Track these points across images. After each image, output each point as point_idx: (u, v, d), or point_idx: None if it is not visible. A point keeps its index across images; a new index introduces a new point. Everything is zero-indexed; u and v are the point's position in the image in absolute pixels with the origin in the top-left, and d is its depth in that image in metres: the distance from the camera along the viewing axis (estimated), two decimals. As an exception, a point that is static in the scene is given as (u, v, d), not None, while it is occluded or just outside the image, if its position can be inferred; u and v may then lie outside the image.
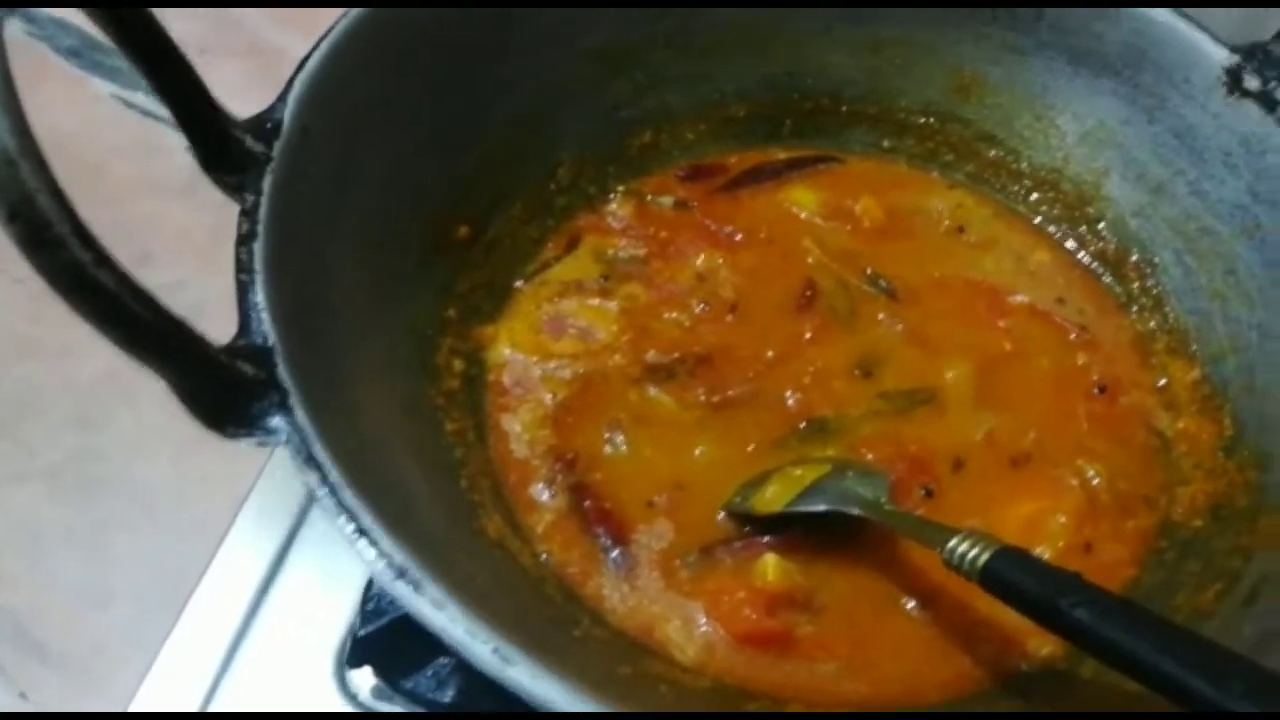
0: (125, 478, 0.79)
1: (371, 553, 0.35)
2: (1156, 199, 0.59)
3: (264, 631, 0.59)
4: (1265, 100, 0.54)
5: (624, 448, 0.54)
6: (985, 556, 0.41)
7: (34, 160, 0.29)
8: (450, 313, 0.56)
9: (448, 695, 0.55)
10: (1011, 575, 0.41)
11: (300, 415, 0.38)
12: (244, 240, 0.42)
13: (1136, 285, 0.60)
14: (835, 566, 0.50)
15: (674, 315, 0.59)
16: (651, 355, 0.57)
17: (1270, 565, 0.45)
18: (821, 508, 0.49)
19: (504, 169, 0.60)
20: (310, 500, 0.63)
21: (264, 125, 0.45)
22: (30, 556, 0.75)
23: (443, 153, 0.56)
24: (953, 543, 0.43)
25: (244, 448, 0.39)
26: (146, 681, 0.57)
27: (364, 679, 0.57)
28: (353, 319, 0.48)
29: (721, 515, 0.51)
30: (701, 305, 0.59)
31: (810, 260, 0.62)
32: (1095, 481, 0.53)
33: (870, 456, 0.53)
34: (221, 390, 0.37)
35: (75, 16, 0.98)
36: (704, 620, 0.48)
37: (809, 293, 0.60)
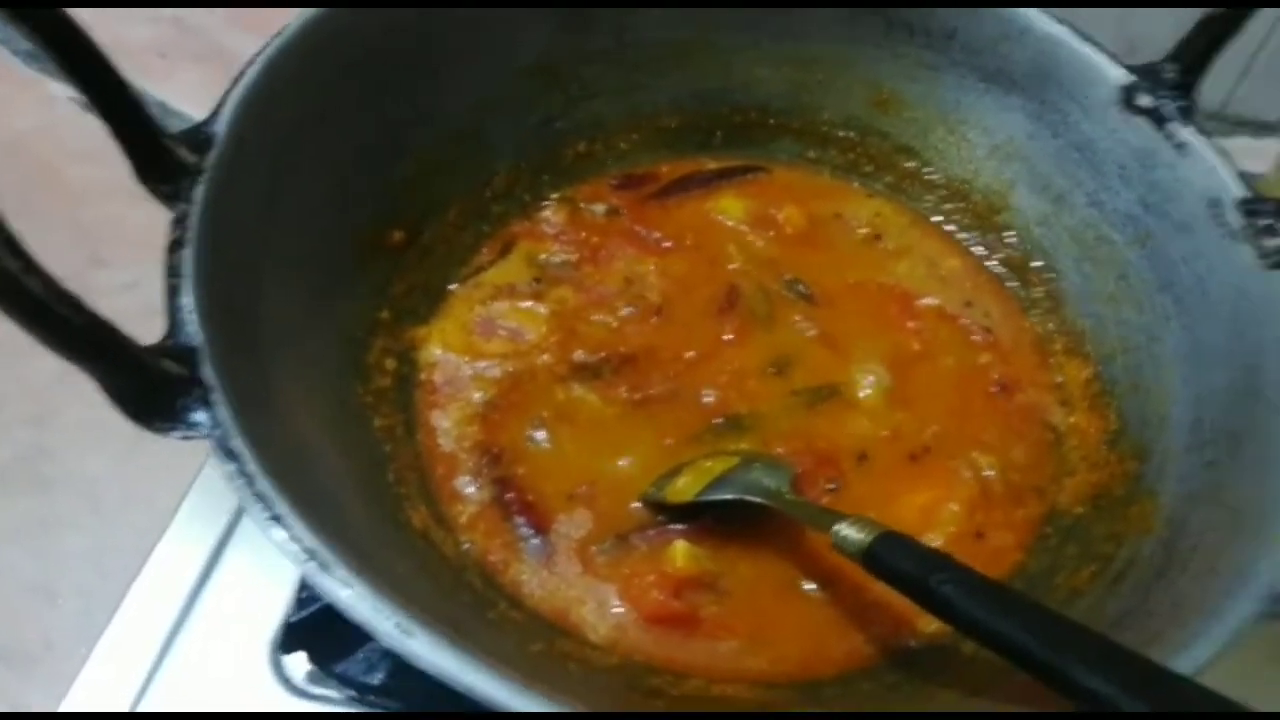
0: (73, 474, 0.80)
1: (282, 535, 0.38)
2: (1058, 209, 0.63)
3: (202, 620, 0.61)
4: (1155, 117, 0.57)
5: (548, 443, 0.57)
6: (868, 540, 0.44)
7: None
8: (383, 314, 0.59)
9: (377, 678, 0.57)
10: (890, 557, 0.44)
11: (221, 411, 0.40)
12: (175, 246, 0.44)
13: (1039, 290, 0.64)
14: (741, 552, 0.53)
15: (601, 317, 0.62)
16: (578, 355, 0.60)
17: (1137, 549, 0.49)
18: (728, 496, 0.52)
19: (440, 177, 0.63)
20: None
21: (198, 136, 0.48)
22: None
23: (377, 161, 0.59)
24: (838, 526, 0.46)
25: (190, 445, 0.42)
26: (88, 664, 0.59)
27: (298, 664, 0.59)
28: (284, 320, 0.50)
29: (637, 504, 0.54)
30: (628, 308, 0.62)
31: (733, 266, 0.65)
32: (988, 473, 0.56)
33: (780, 451, 0.56)
34: (147, 387, 0.40)
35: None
36: (617, 602, 0.51)
37: (731, 297, 0.63)
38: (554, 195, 0.67)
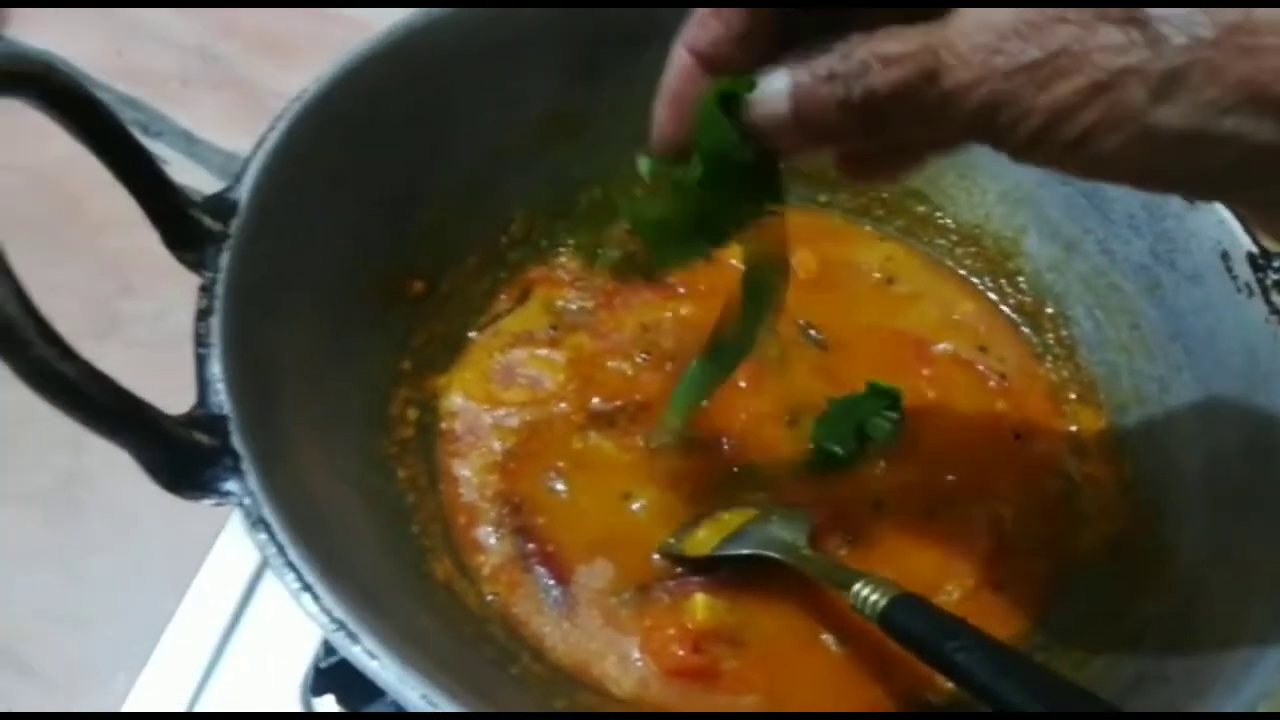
0: (108, 502, 0.82)
1: (314, 607, 0.39)
2: (1069, 256, 0.63)
3: (234, 660, 0.63)
4: (1165, 166, 0.58)
5: (566, 493, 0.57)
6: (883, 602, 0.45)
7: (0, 271, 0.33)
8: (405, 365, 0.60)
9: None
10: (905, 620, 0.44)
11: (251, 480, 0.41)
12: (202, 315, 0.45)
13: (1051, 336, 0.64)
14: (760, 604, 0.53)
15: (617, 364, 0.62)
16: (595, 403, 0.61)
17: (1155, 607, 0.49)
18: (745, 551, 0.52)
19: (457, 226, 0.63)
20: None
21: (222, 203, 0.49)
22: (12, 579, 0.78)
23: (396, 215, 0.59)
24: (856, 587, 0.46)
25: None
26: (126, 703, 0.61)
27: (328, 705, 0.60)
28: (308, 378, 0.51)
29: (656, 556, 0.55)
30: (643, 355, 0.63)
31: (744, 312, 0.65)
32: (1005, 523, 0.56)
33: (797, 502, 0.57)
34: (179, 458, 0.41)
35: (58, 48, 1.01)
36: (638, 655, 0.52)
37: (744, 343, 0.63)
38: (570, 241, 0.68)
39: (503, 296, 0.66)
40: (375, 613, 0.40)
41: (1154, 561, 0.52)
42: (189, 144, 0.99)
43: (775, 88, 0.36)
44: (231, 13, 1.11)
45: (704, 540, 0.54)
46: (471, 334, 0.64)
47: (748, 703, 0.51)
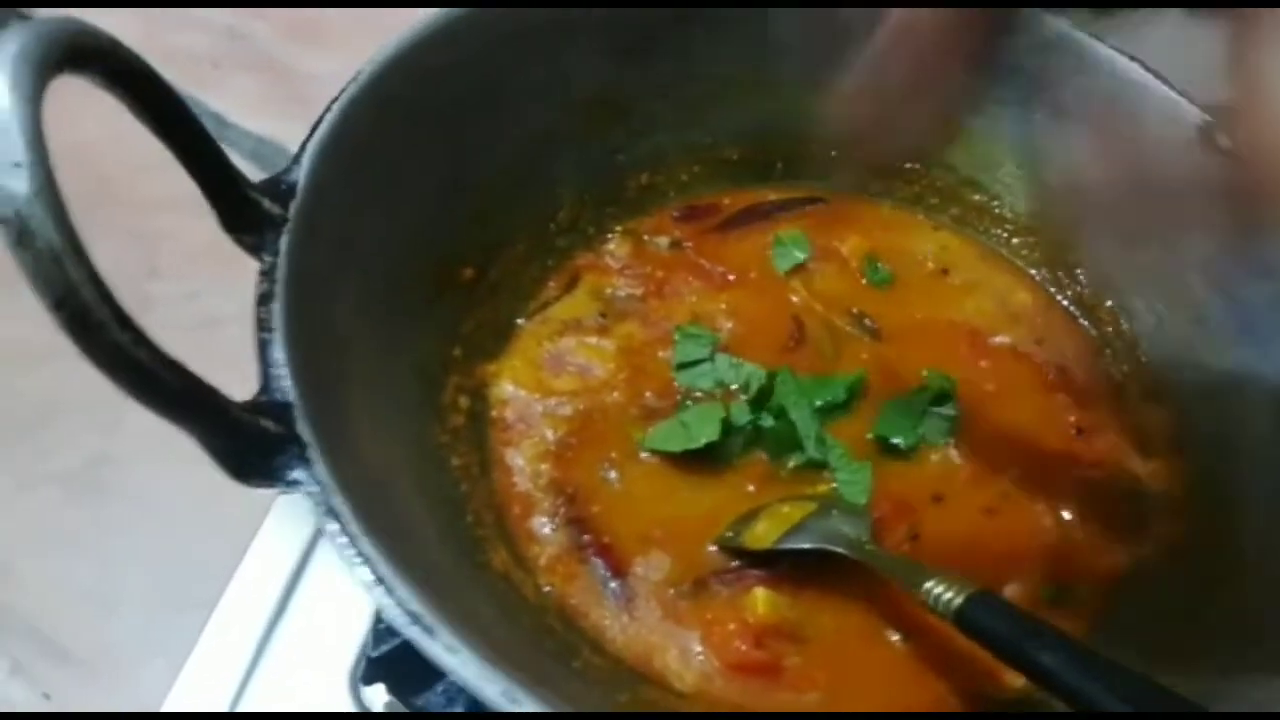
0: (139, 484, 0.81)
1: (388, 600, 0.38)
2: (1131, 249, 0.62)
3: (281, 648, 0.62)
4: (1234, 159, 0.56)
5: (620, 483, 0.56)
6: (959, 600, 0.44)
7: (76, 254, 0.32)
8: (456, 352, 0.59)
9: (457, 711, 0.58)
10: (983, 619, 0.44)
11: (319, 468, 0.40)
12: (263, 300, 0.44)
13: (1111, 329, 0.63)
14: (821, 599, 0.53)
15: (669, 354, 0.61)
16: (648, 396, 0.60)
17: (1229, 606, 0.48)
18: (807, 545, 0.51)
19: (506, 212, 0.62)
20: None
21: (279, 187, 0.48)
22: (47, 561, 0.77)
23: (447, 201, 0.58)
24: (929, 584, 0.45)
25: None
26: (170, 694, 0.60)
27: (377, 695, 0.59)
28: (364, 365, 0.50)
29: (713, 549, 0.54)
30: (696, 346, 0.62)
31: (796, 300, 0.64)
32: (1068, 519, 0.55)
33: None
34: (245, 445, 0.40)
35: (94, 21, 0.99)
36: (699, 649, 0.51)
37: (797, 334, 0.62)
38: (618, 228, 0.67)
39: (551, 284, 0.65)
40: (442, 606, 0.39)
41: (1223, 561, 0.51)
42: (220, 127, 0.98)
43: None
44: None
45: (764, 534, 0.53)
46: (520, 321, 0.63)
47: (810, 700, 0.50)
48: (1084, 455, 0.58)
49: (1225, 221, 0.55)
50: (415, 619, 0.38)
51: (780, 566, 0.53)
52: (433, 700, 0.58)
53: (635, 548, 0.54)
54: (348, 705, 0.60)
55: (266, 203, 0.47)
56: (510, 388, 0.60)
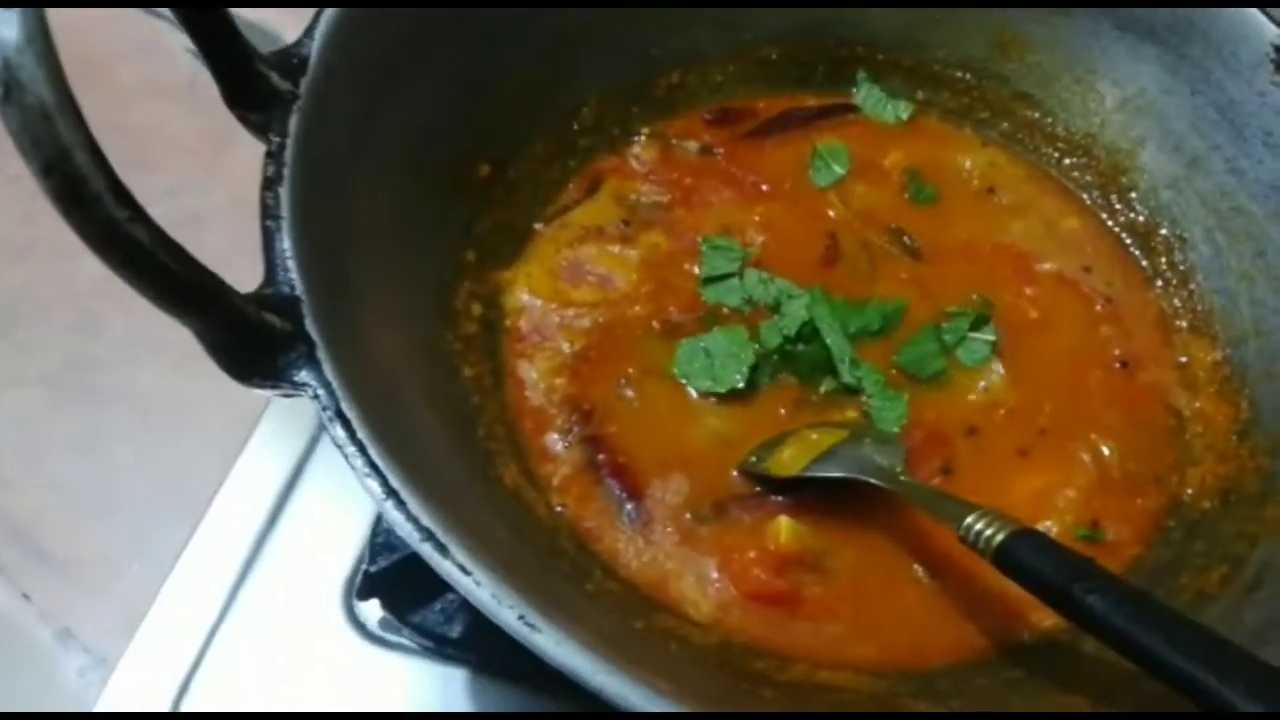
0: (123, 385, 0.79)
1: (399, 515, 0.35)
2: (1191, 173, 0.58)
3: (273, 559, 0.60)
4: (1313, 81, 0.53)
5: (639, 402, 0.54)
6: (1001, 536, 0.42)
7: (71, 114, 0.28)
8: (469, 255, 0.55)
9: (455, 630, 0.56)
10: (1026, 557, 0.41)
11: (328, 369, 0.37)
12: (270, 184, 0.41)
13: (1164, 260, 0.60)
14: (846, 530, 0.50)
15: (696, 268, 0.58)
16: (672, 312, 0.56)
17: (1275, 553, 0.46)
18: (838, 474, 0.49)
19: (527, 107, 0.58)
20: (322, 427, 0.63)
21: (290, 60, 0.44)
22: (29, 462, 0.75)
23: (465, 91, 0.54)
24: (969, 520, 0.43)
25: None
26: (155, 603, 0.58)
27: (372, 610, 0.57)
28: (374, 263, 0.47)
29: (735, 474, 0.52)
30: (724, 259, 0.58)
31: (833, 215, 0.61)
32: (1108, 457, 0.53)
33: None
34: (248, 342, 0.37)
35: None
36: (716, 577, 0.49)
37: (831, 251, 0.59)
38: (644, 130, 0.63)
39: (571, 186, 0.61)
40: (454, 522, 0.37)
41: (1271, 506, 0.48)
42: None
43: None
44: None
45: (791, 460, 0.50)
46: (538, 226, 0.59)
47: (831, 632, 0.48)
48: (1127, 390, 0.56)
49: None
50: (428, 535, 0.35)
51: (804, 495, 0.51)
52: (430, 617, 0.56)
53: (653, 469, 0.52)
54: (340, 619, 0.58)
55: (275, 77, 0.43)
56: (525, 296, 0.56)
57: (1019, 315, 0.57)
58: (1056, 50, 0.62)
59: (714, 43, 0.64)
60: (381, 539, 0.56)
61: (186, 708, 0.55)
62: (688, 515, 0.50)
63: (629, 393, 0.54)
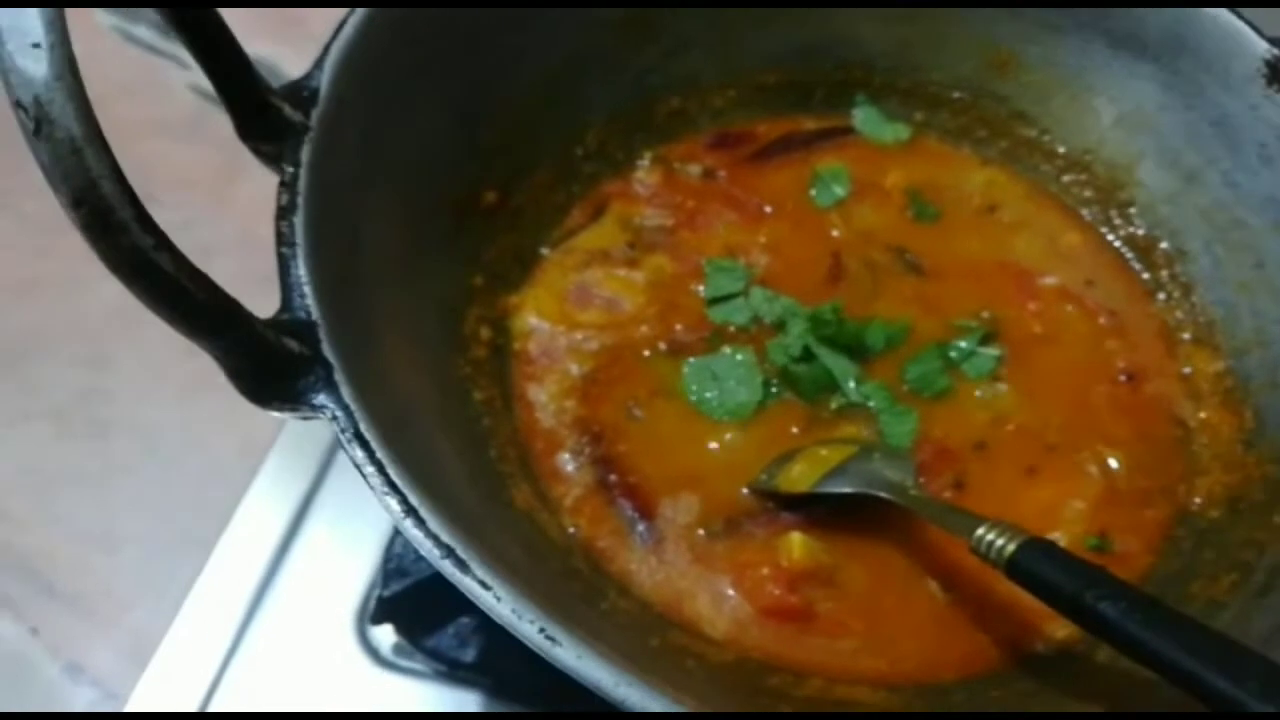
0: (132, 419, 0.79)
1: (419, 533, 0.36)
2: (1189, 187, 0.59)
3: (286, 588, 0.60)
4: (1304, 94, 0.54)
5: (648, 421, 0.54)
6: (1012, 547, 0.42)
7: (99, 147, 0.29)
8: (477, 280, 0.56)
9: (469, 654, 0.56)
10: (1038, 567, 0.41)
11: (345, 392, 0.38)
12: (284, 213, 0.42)
13: (1165, 273, 0.61)
14: (857, 545, 0.51)
15: (701, 288, 0.59)
16: (679, 330, 0.57)
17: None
18: (849, 489, 0.49)
19: (531, 134, 0.59)
20: (331, 453, 0.64)
21: (301, 93, 0.45)
22: (37, 497, 0.75)
23: (471, 119, 0.56)
24: (980, 531, 0.43)
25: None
26: (172, 627, 0.58)
27: (385, 636, 0.58)
28: (385, 290, 0.48)
29: (745, 491, 0.52)
30: (729, 280, 0.59)
31: (836, 234, 0.61)
32: (1115, 469, 0.53)
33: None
34: (267, 365, 0.38)
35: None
36: (731, 594, 0.49)
37: (835, 269, 0.60)
38: (647, 154, 0.64)
39: (576, 211, 0.62)
40: (472, 541, 0.37)
41: (1278, 514, 0.49)
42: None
43: None
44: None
45: (801, 477, 0.51)
46: (544, 250, 0.60)
47: (844, 647, 0.48)
48: (1133, 403, 0.56)
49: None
50: (449, 551, 0.36)
51: (816, 511, 0.51)
52: (443, 641, 0.57)
53: (663, 488, 0.52)
54: (354, 646, 0.58)
55: (287, 109, 0.44)
56: (533, 320, 0.57)
57: (1023, 330, 0.58)
58: (1051, 69, 0.63)
59: (711, 68, 0.65)
60: (394, 564, 0.57)
61: (200, 738, 0.55)
62: (700, 532, 0.51)
63: (638, 413, 0.54)
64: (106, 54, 1.03)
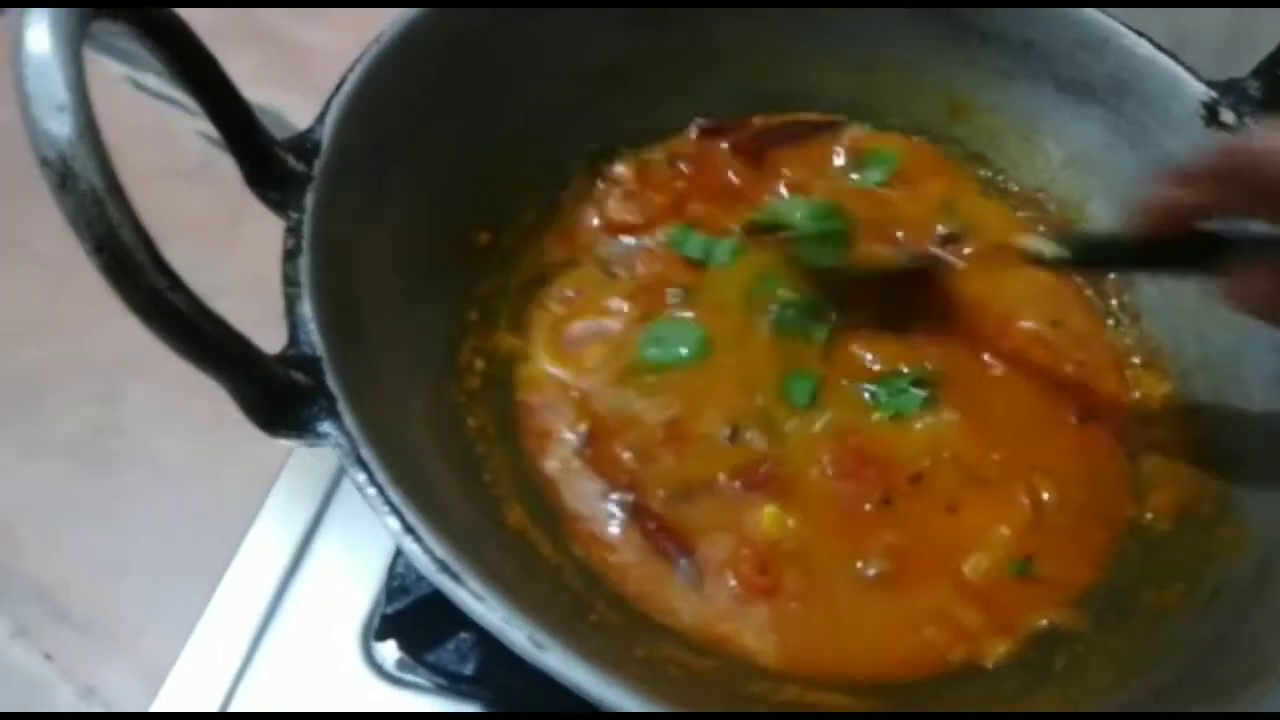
0: (144, 453, 0.81)
1: (416, 548, 0.39)
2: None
3: (294, 607, 0.62)
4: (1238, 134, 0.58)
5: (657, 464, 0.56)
6: None
7: (118, 197, 0.33)
8: (472, 315, 0.59)
9: (469, 668, 0.58)
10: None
11: (348, 421, 0.41)
12: (290, 256, 0.45)
13: (1115, 301, 0.64)
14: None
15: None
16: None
17: (1230, 570, 0.49)
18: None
19: (516, 180, 0.63)
20: (336, 482, 0.66)
21: (305, 145, 0.48)
22: (52, 526, 0.77)
23: (463, 166, 0.59)
24: None
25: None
26: (184, 653, 0.61)
27: (389, 651, 0.60)
28: (385, 324, 0.51)
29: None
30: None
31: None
32: (1047, 500, 0.56)
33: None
34: (276, 397, 0.41)
35: None
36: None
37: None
38: (618, 190, 0.67)
39: (560, 253, 0.65)
40: (466, 553, 0.40)
41: (1225, 527, 0.52)
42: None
43: None
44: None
45: None
46: (534, 290, 0.63)
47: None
48: (1081, 438, 0.59)
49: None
50: (444, 566, 0.39)
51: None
52: (444, 656, 0.59)
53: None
54: (359, 664, 0.60)
55: (291, 160, 0.48)
56: (541, 370, 0.60)
57: (981, 372, 0.61)
58: (1003, 113, 0.67)
59: (681, 117, 0.69)
60: (397, 583, 0.60)
61: (210, 761, 0.57)
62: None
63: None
64: (117, 103, 1.07)
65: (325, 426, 0.41)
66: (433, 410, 0.53)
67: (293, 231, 0.46)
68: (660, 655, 0.49)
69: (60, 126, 0.32)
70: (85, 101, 0.32)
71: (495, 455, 0.55)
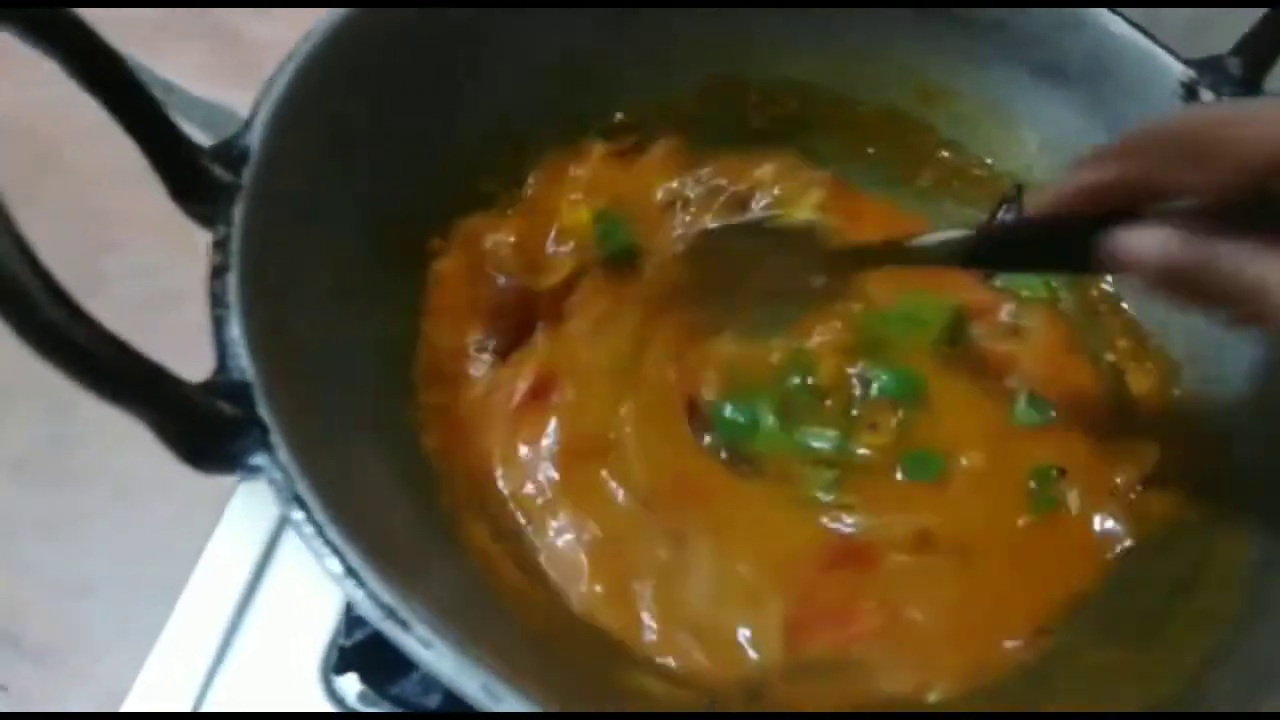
0: (99, 468, 0.78)
1: (359, 593, 0.36)
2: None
3: (249, 638, 0.60)
4: (1219, 113, 0.55)
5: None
6: None
7: (1, 222, 0.29)
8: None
9: (434, 700, 0.56)
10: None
11: (282, 454, 0.38)
12: (217, 273, 0.42)
13: (1095, 293, 0.62)
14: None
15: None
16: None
17: (1227, 573, 0.48)
18: None
19: (470, 181, 0.59)
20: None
21: (231, 152, 0.45)
22: (2, 547, 0.75)
23: (412, 169, 0.56)
24: None
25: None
26: (134, 689, 0.58)
27: (350, 684, 0.58)
28: (326, 341, 0.48)
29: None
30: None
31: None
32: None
33: None
34: (200, 429, 0.38)
35: None
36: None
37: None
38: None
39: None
40: (415, 594, 0.37)
41: (1220, 531, 0.50)
42: (167, 94, 0.94)
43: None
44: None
45: None
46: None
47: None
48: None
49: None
50: (389, 612, 0.36)
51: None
52: (408, 688, 0.57)
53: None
54: (319, 695, 0.58)
55: (218, 169, 0.44)
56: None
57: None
58: (978, 99, 0.64)
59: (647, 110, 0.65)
60: (355, 612, 0.57)
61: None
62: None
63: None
64: (61, 101, 1.02)
65: (257, 459, 0.38)
66: (385, 432, 0.50)
67: (220, 246, 0.42)
68: (629, 688, 0.46)
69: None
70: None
71: (452, 475, 0.52)
